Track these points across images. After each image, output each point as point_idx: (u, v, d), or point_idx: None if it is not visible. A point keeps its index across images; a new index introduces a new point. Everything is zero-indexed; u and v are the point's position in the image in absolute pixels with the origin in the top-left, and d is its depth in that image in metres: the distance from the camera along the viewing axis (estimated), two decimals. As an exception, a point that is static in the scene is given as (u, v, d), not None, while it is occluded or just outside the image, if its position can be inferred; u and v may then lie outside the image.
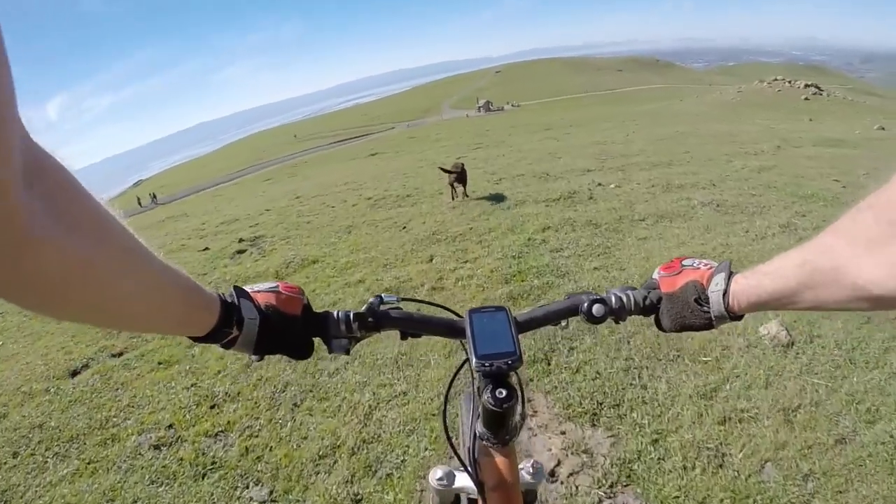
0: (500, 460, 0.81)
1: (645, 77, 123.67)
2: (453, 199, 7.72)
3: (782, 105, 28.66)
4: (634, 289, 0.87)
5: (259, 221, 8.45)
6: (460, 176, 7.64)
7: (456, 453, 0.87)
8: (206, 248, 6.94)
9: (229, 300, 0.70)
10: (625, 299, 0.84)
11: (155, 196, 42.46)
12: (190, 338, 0.67)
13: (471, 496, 1.07)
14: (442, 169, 7.87)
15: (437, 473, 1.06)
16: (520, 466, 1.00)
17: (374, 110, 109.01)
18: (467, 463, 0.86)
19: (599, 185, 7.60)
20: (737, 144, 11.50)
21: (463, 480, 1.04)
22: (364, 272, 5.04)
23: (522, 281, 4.39)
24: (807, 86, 35.94)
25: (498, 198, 7.53)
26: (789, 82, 37.13)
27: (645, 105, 38.88)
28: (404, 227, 6.55)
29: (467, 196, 7.85)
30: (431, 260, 5.22)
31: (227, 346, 0.71)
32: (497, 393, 0.74)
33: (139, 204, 40.12)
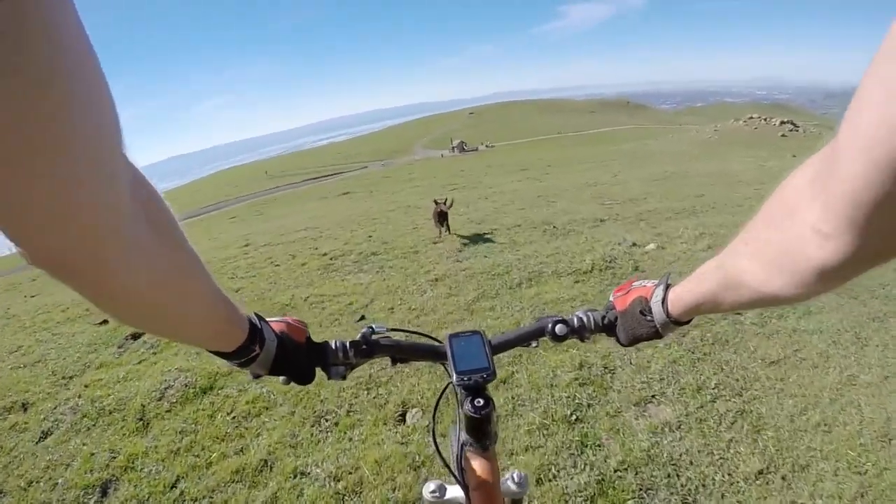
0: (482, 463, 0.88)
1: (616, 118, 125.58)
2: (440, 235, 7.60)
3: (761, 142, 28.54)
4: (595, 310, 0.98)
5: None
6: (442, 214, 7.45)
7: (444, 461, 0.95)
8: (104, 322, 5.34)
9: (254, 321, 0.75)
10: (585, 319, 0.97)
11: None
12: (215, 353, 0.71)
13: None
14: (437, 203, 7.53)
15: (430, 486, 1.13)
16: (505, 476, 1.13)
17: (347, 149, 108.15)
18: (455, 471, 0.92)
19: (634, 245, 6.05)
20: (744, 185, 10.63)
21: (453, 492, 1.12)
22: (272, 437, 3.09)
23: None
24: (782, 123, 36.22)
25: (496, 264, 5.89)
26: (765, 120, 37.49)
27: (619, 145, 38.88)
28: (362, 317, 4.84)
29: (449, 233, 7.62)
30: (404, 420, 3.17)
31: (244, 365, 0.75)
32: (475, 402, 0.85)
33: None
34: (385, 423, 3.08)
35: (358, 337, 0.92)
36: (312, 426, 3.13)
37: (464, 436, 0.90)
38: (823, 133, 38.59)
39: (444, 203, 7.50)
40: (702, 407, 2.95)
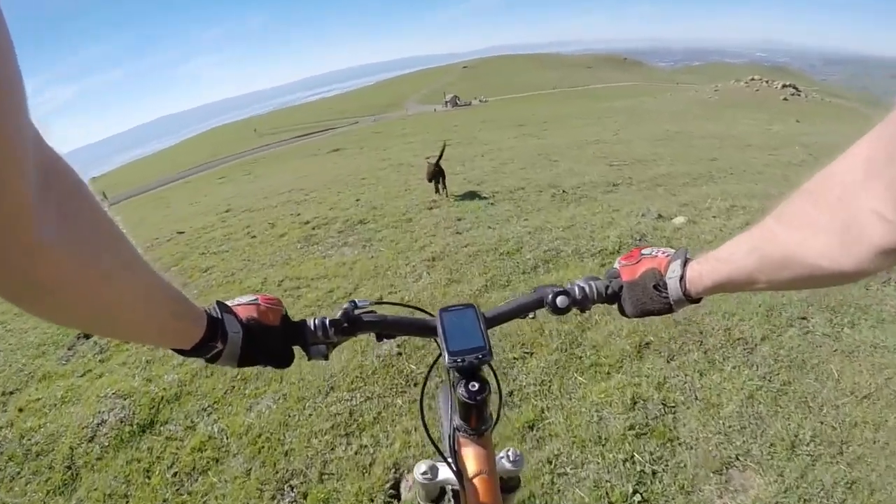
0: (477, 450, 0.84)
1: (613, 75, 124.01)
2: (438, 193, 7.26)
3: (763, 105, 27.83)
4: (597, 278, 0.92)
5: (153, 258, 6.39)
6: (436, 172, 7.11)
7: (436, 446, 0.89)
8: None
9: (214, 315, 0.71)
10: (587, 289, 0.89)
11: (104, 195, 39.65)
12: (175, 351, 0.68)
13: (454, 488, 1.10)
14: (429, 161, 7.28)
15: (421, 468, 1.07)
16: (500, 455, 1.06)
17: (338, 104, 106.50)
18: (447, 455, 0.87)
19: (660, 217, 5.37)
20: (755, 149, 10.18)
21: (446, 473, 1.06)
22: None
23: None
24: (784, 86, 35.35)
25: (503, 238, 5.16)
26: (766, 82, 36.60)
27: (617, 101, 38.19)
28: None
29: (445, 189, 7.25)
30: (397, 495, 2.36)
31: (211, 361, 0.73)
32: (470, 386, 0.80)
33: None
34: (371, 499, 2.28)
35: (339, 315, 0.85)
36: (273, 498, 2.35)
37: (457, 420, 0.86)
38: (826, 99, 38.08)
39: (438, 157, 7.17)
40: (802, 477, 2.18)
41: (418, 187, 8.04)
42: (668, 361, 2.90)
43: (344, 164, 14.46)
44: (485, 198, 7.01)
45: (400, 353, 3.24)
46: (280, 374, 3.15)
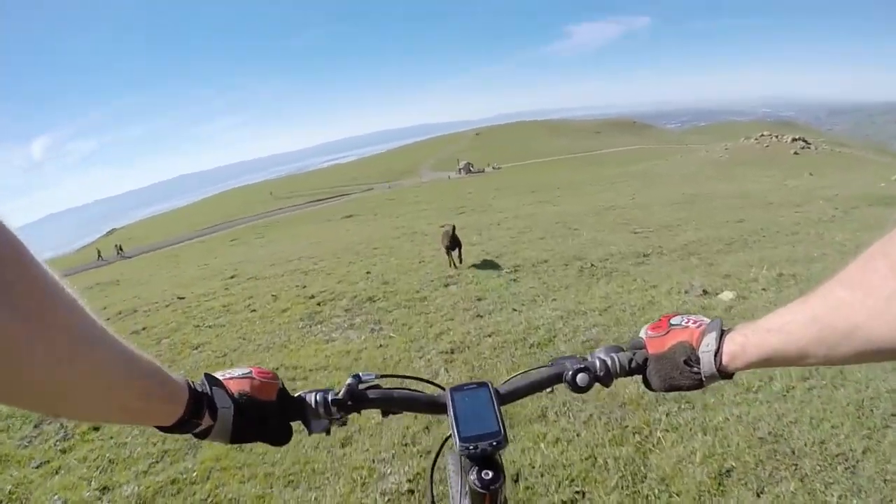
0: None
1: (622, 139, 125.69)
2: (451, 265, 7.03)
3: (774, 161, 27.93)
4: (620, 349, 0.85)
5: (148, 325, 6.10)
6: (453, 241, 6.94)
7: None
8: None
9: (200, 389, 0.67)
10: (609, 363, 0.83)
11: (121, 248, 40.09)
12: (157, 427, 0.63)
13: None
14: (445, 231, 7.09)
15: None
16: None
17: (353, 170, 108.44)
18: None
19: (705, 293, 4.88)
20: (778, 207, 9.87)
21: None
22: None
23: None
24: (794, 140, 35.53)
25: (532, 324, 4.54)
26: (776, 137, 36.80)
27: (629, 166, 38.50)
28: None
29: (461, 262, 7.08)
30: None
31: (200, 437, 0.68)
32: (483, 475, 0.74)
33: (99, 256, 37.30)
34: None
35: (342, 393, 0.79)
36: None
37: None
38: (835, 150, 38.08)
39: (452, 228, 7.10)
40: None
41: (433, 259, 7.73)
42: (757, 496, 2.26)
43: (357, 231, 14.37)
44: (506, 272, 6.52)
45: (412, 491, 2.55)
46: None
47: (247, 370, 0.77)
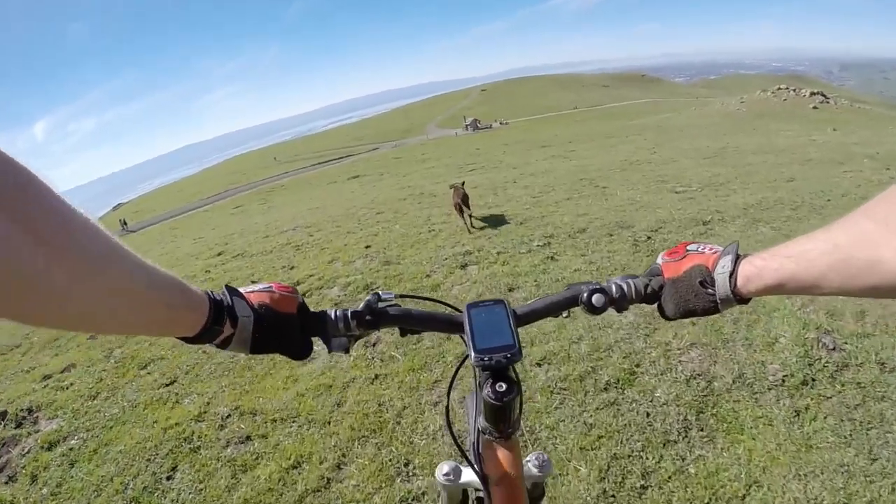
0: (502, 454, 0.79)
1: (631, 92, 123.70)
2: (468, 230, 6.35)
3: (793, 115, 26.75)
4: (636, 276, 0.85)
5: None
6: (464, 199, 6.46)
7: (460, 448, 0.86)
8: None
9: (219, 298, 0.69)
10: (625, 288, 0.83)
11: (125, 222, 39.68)
12: (182, 339, 0.66)
13: (479, 495, 1.06)
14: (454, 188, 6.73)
15: (443, 469, 1.04)
16: (526, 459, 1.02)
17: (358, 131, 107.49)
18: (472, 458, 0.84)
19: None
20: (821, 165, 8.90)
21: (468, 476, 1.03)
22: None
23: None
24: (812, 94, 34.17)
25: (597, 346, 3.17)
26: (794, 91, 35.45)
27: (641, 119, 37.44)
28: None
29: (473, 221, 6.55)
30: None
31: (222, 346, 0.70)
32: (497, 387, 0.74)
33: (103, 231, 37.19)
34: None
35: (361, 306, 0.80)
36: None
37: (482, 422, 0.79)
38: (855, 105, 36.72)
39: (461, 185, 6.72)
40: None
41: (444, 227, 6.80)
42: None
43: (361, 192, 13.69)
44: (537, 246, 5.31)
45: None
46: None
47: (267, 285, 0.77)
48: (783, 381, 2.62)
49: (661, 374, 2.84)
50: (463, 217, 6.44)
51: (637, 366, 2.94)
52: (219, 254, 7.87)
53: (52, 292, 0.43)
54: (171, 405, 3.33)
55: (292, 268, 5.98)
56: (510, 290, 4.29)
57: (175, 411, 3.23)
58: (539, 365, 3.07)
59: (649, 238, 5.19)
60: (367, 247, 6.27)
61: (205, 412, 3.16)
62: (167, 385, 3.61)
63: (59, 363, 4.28)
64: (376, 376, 3.24)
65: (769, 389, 2.58)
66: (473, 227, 6.40)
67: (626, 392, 2.73)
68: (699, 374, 2.79)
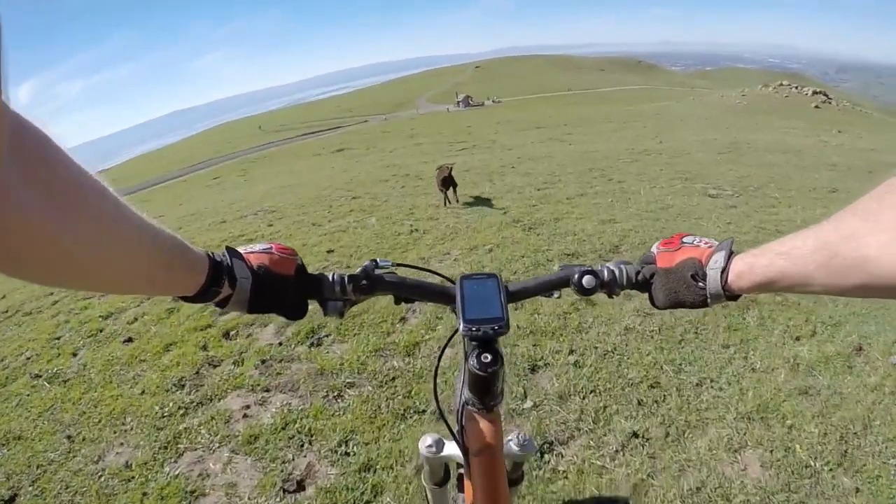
0: (484, 425, 0.79)
1: (627, 78, 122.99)
2: (446, 204, 6.43)
3: (795, 113, 26.27)
4: (629, 263, 0.85)
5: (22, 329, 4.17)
6: (447, 180, 6.28)
7: (444, 418, 0.85)
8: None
9: (219, 259, 0.69)
10: (617, 273, 0.83)
11: (106, 191, 38.52)
12: (181, 298, 0.66)
13: (461, 470, 1.06)
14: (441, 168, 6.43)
15: (426, 440, 1.04)
16: (508, 438, 1.03)
17: (349, 102, 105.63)
18: (455, 429, 0.84)
19: None
20: (859, 174, 8.17)
21: (451, 449, 1.04)
22: None
23: None
24: (815, 93, 33.71)
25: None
26: (796, 88, 34.97)
27: (639, 105, 37.01)
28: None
29: (457, 201, 6.44)
30: None
31: (221, 306, 0.71)
32: (482, 357, 0.74)
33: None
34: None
35: (358, 271, 0.80)
36: None
37: (466, 393, 0.79)
38: (856, 108, 36.18)
39: (449, 169, 6.37)
40: None
41: (431, 226, 5.58)
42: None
43: (343, 168, 12.82)
44: (535, 258, 4.20)
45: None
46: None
47: (267, 245, 0.78)
48: None
49: None
50: (445, 194, 6.38)
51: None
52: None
53: (60, 250, 0.43)
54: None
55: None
56: (532, 369, 2.75)
57: None
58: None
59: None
60: (330, 251, 4.98)
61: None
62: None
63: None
64: None
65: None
66: (449, 203, 6.35)
67: None
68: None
